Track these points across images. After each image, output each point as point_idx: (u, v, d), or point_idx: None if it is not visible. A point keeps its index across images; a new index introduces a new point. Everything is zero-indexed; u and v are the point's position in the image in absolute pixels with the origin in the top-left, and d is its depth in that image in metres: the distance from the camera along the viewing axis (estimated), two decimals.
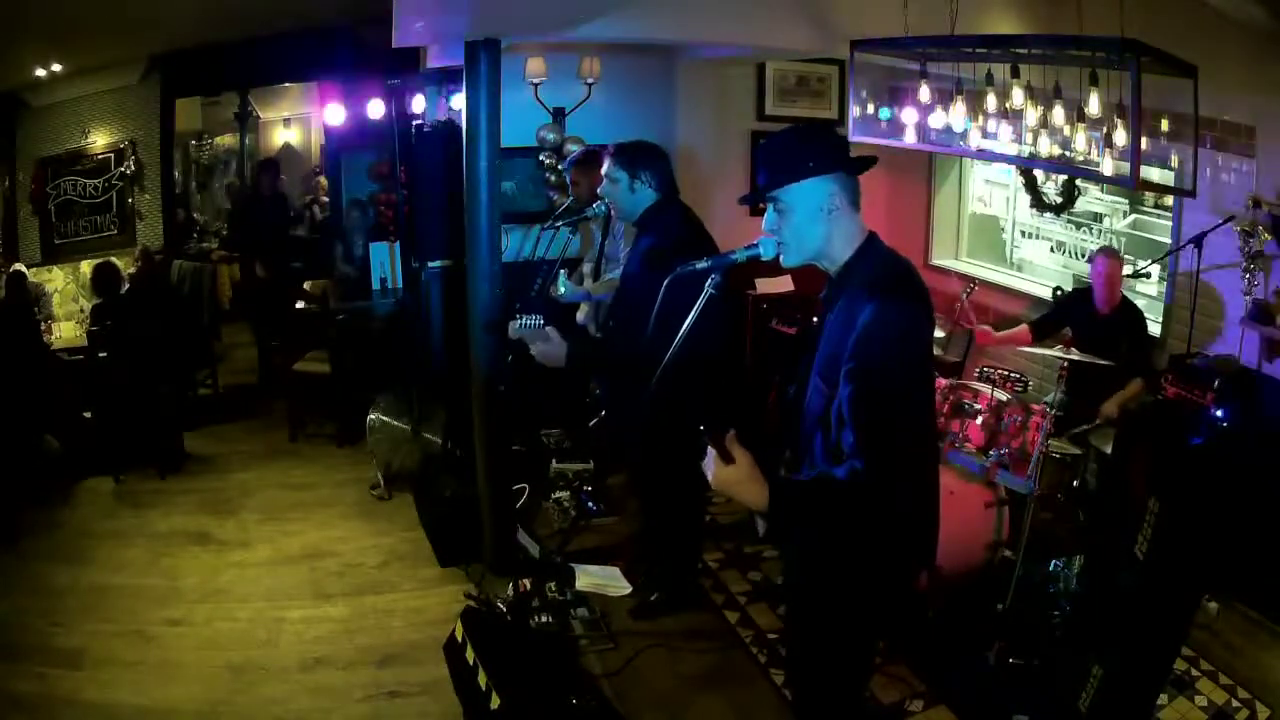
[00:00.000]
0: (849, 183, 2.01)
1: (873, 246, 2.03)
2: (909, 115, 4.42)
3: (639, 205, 3.46)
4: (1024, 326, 4.76)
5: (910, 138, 4.45)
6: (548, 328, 3.19)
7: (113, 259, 6.17)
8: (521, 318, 3.24)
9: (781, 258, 2.04)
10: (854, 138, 4.49)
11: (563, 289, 4.20)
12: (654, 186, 3.43)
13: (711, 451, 1.84)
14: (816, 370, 2.03)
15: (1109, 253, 4.38)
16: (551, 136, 5.36)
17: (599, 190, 3.56)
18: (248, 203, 8.34)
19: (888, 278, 1.96)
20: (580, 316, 4.55)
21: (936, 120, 4.27)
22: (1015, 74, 3.87)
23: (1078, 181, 5.17)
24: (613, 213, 3.72)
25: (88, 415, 5.45)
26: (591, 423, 3.75)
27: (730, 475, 1.83)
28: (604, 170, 3.47)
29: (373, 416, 5.09)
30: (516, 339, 3.25)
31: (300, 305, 6.20)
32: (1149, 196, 4.88)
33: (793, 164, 1.97)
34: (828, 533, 2.01)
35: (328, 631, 3.75)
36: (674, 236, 3.36)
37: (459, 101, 4.79)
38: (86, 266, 6.88)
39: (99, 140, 7.15)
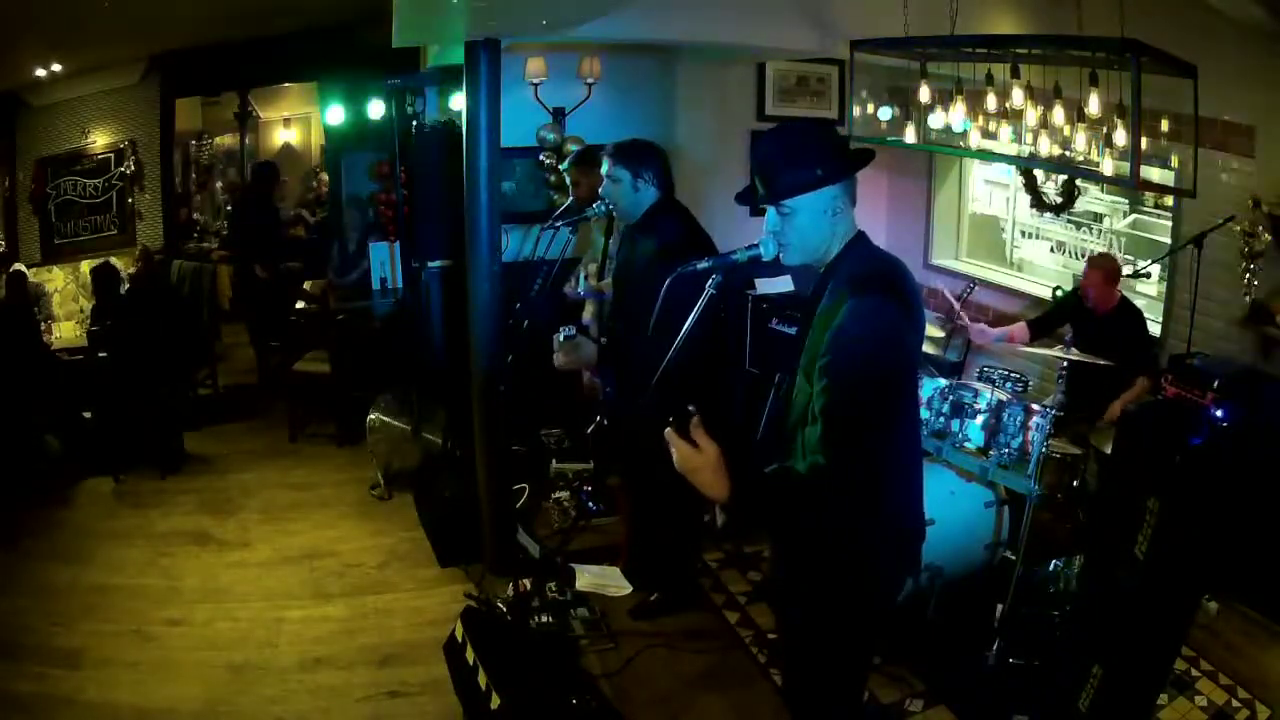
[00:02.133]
0: (851, 182, 2.01)
1: (858, 244, 2.02)
2: (909, 115, 4.42)
3: (641, 204, 3.46)
4: (1021, 324, 4.76)
5: (910, 138, 4.45)
6: (577, 337, 3.22)
7: (112, 259, 6.17)
8: (562, 331, 3.30)
9: (782, 257, 2.04)
10: (854, 138, 4.49)
11: (581, 287, 4.22)
12: (656, 185, 3.44)
13: (672, 433, 1.82)
14: (800, 367, 2.03)
15: (1095, 264, 4.36)
16: (551, 136, 5.35)
17: (599, 191, 3.56)
18: (242, 204, 8.33)
19: (869, 275, 1.95)
20: (585, 317, 4.55)
21: (936, 120, 4.28)
22: (1015, 74, 3.87)
23: (1078, 181, 5.17)
24: (613, 213, 3.72)
25: (88, 415, 5.45)
26: (589, 429, 3.78)
27: (694, 461, 1.81)
28: (605, 170, 3.47)
29: (373, 416, 5.09)
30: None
31: (301, 305, 6.20)
32: (1149, 196, 4.87)
33: (801, 174, 1.95)
34: (791, 528, 2.00)
35: (328, 631, 3.75)
36: (681, 236, 3.37)
37: (459, 101, 4.79)
38: (86, 266, 6.88)
39: (99, 140, 7.15)
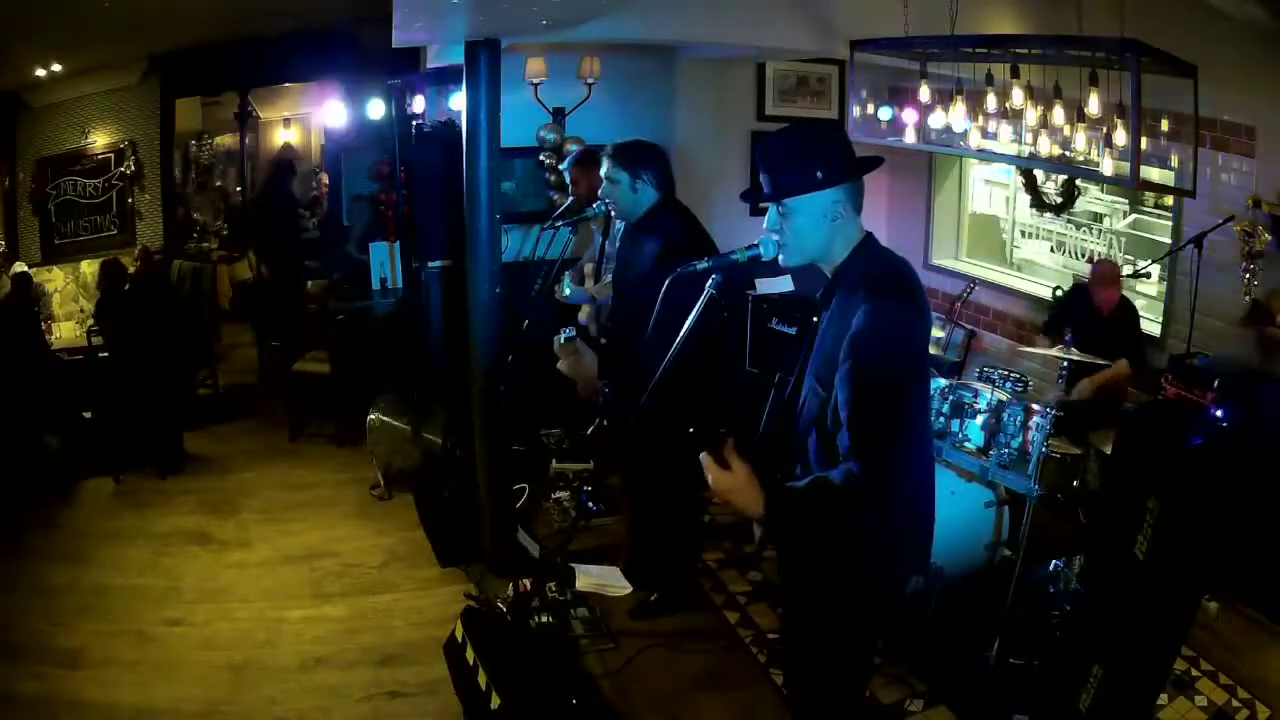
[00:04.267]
0: (854, 188, 2.01)
1: (868, 247, 2.02)
2: (909, 115, 4.42)
3: (641, 205, 3.46)
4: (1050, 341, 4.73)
5: (910, 138, 4.46)
6: (577, 339, 3.22)
7: (118, 257, 6.17)
8: (562, 333, 3.30)
9: (782, 258, 2.04)
10: (854, 138, 4.48)
11: (568, 290, 4.20)
12: (655, 185, 3.44)
13: (707, 458, 1.85)
14: (811, 371, 2.03)
15: (1099, 275, 4.36)
16: (551, 136, 5.35)
17: (599, 192, 3.56)
18: (264, 198, 8.27)
19: (881, 278, 1.95)
20: (582, 318, 4.54)
21: (936, 120, 4.28)
22: (1015, 74, 3.87)
23: (1078, 181, 5.17)
24: (612, 213, 3.72)
25: (88, 415, 5.45)
26: (589, 430, 3.79)
27: (727, 483, 1.85)
28: (604, 171, 3.47)
29: (373, 416, 5.09)
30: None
31: (313, 307, 6.22)
32: (1149, 196, 4.88)
33: (802, 174, 1.95)
34: (824, 535, 2.01)
35: (328, 631, 3.75)
36: (682, 236, 3.37)
37: (459, 101, 4.79)
38: (86, 266, 6.88)
39: (99, 140, 7.14)
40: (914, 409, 1.97)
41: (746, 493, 1.85)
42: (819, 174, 1.94)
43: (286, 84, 9.44)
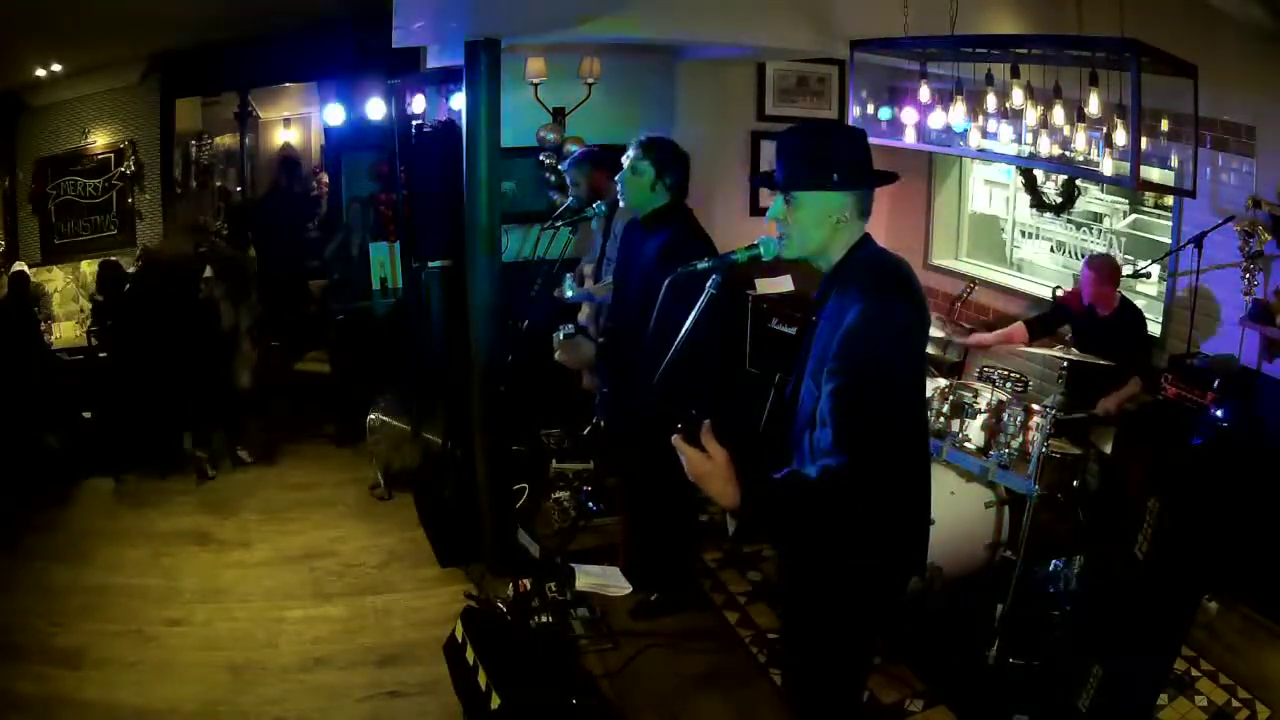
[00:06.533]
0: (864, 195, 2.02)
1: (865, 247, 2.03)
2: (909, 115, 4.42)
3: (652, 203, 3.46)
4: (1019, 324, 4.75)
5: (910, 138, 4.46)
6: (576, 336, 3.22)
7: (115, 258, 6.17)
8: (561, 330, 3.30)
9: (781, 248, 2.04)
10: None
11: (569, 291, 4.20)
12: (673, 189, 3.44)
13: (679, 440, 1.81)
14: (808, 372, 2.03)
15: (1092, 263, 4.33)
16: (551, 136, 5.35)
17: (616, 176, 3.54)
18: (271, 199, 8.23)
19: (876, 277, 1.95)
20: (582, 318, 4.54)
21: (936, 120, 4.28)
22: (1015, 74, 3.88)
23: (1078, 181, 5.17)
24: (620, 201, 3.70)
25: (88, 415, 5.44)
26: (586, 430, 3.79)
27: (704, 468, 1.81)
28: (629, 157, 3.44)
29: (373, 416, 5.09)
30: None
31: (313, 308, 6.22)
32: (1149, 196, 4.87)
33: (817, 170, 1.97)
34: (803, 533, 1.99)
35: (328, 631, 3.76)
36: (682, 237, 3.37)
37: (459, 101, 4.79)
38: (87, 266, 6.88)
39: (99, 140, 7.14)
40: (904, 407, 1.97)
41: (720, 482, 1.80)
42: (834, 176, 1.96)
43: (286, 84, 9.44)
